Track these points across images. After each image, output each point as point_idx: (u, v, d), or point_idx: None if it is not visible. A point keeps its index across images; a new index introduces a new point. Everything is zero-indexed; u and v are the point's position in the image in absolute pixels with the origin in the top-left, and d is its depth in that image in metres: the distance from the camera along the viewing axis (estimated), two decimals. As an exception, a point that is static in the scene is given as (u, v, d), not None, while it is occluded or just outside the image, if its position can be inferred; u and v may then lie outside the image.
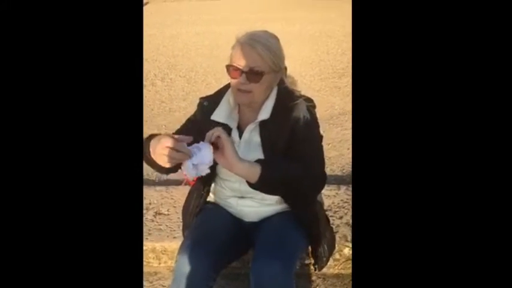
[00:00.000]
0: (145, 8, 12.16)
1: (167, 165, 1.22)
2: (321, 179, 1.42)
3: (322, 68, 4.86)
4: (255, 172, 1.26)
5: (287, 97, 1.46)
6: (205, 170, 1.24)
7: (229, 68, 1.38)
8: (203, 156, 1.22)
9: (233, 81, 1.39)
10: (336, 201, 2.33)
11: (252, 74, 1.34)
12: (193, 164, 1.22)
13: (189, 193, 1.70)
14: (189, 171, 1.23)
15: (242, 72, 1.34)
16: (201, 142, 1.24)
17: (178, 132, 1.58)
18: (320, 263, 1.66)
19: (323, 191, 2.36)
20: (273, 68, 1.37)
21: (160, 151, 1.19)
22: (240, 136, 1.48)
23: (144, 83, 5.27)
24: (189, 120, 1.57)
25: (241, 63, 1.34)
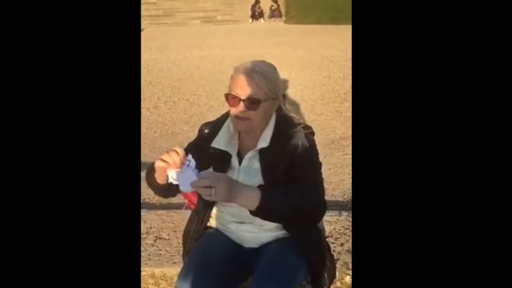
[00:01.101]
0: (149, 32, 12.37)
1: (159, 179, 1.32)
2: (321, 208, 1.42)
3: (324, 92, 4.90)
4: (255, 199, 1.26)
5: (286, 124, 1.48)
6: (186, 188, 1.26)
7: (228, 96, 1.42)
8: (185, 178, 1.25)
9: (232, 109, 1.42)
10: (337, 227, 2.31)
11: (250, 102, 1.38)
12: (172, 178, 1.27)
13: (190, 218, 1.69)
14: (173, 181, 1.28)
15: (240, 100, 1.38)
16: (189, 164, 1.26)
17: None
18: (321, 291, 1.64)
19: (324, 217, 2.36)
20: (270, 95, 1.41)
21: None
22: (240, 162, 1.49)
23: (147, 105, 5.31)
24: (190, 145, 1.59)
25: (239, 91, 1.38)
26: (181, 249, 1.76)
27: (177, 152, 1.27)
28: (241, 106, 1.38)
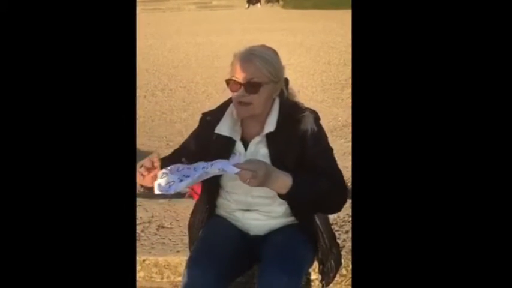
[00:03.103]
0: (145, 18, 12.25)
1: (140, 182, 1.34)
2: (346, 193, 1.46)
3: (324, 79, 4.87)
4: (287, 183, 1.29)
5: (292, 109, 1.49)
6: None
7: (228, 82, 1.42)
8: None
9: (233, 95, 1.43)
10: (342, 215, 2.29)
11: (250, 86, 1.38)
12: (159, 184, 1.29)
13: (195, 207, 1.69)
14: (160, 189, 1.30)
15: (241, 84, 1.39)
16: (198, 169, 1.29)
17: (180, 147, 1.62)
18: (327, 278, 1.64)
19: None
20: (271, 78, 1.41)
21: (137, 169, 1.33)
22: (246, 148, 1.49)
23: (145, 93, 5.27)
24: (191, 137, 1.60)
25: (239, 76, 1.39)
26: (186, 238, 1.77)
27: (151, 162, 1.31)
28: (242, 90, 1.39)
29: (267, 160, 1.44)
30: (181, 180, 1.27)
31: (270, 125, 1.45)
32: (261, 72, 1.38)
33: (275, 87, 1.45)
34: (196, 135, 1.58)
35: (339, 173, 1.45)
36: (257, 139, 1.48)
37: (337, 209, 1.51)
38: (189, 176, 1.27)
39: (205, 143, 1.45)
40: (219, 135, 1.48)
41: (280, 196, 1.32)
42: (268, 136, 1.45)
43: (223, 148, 1.48)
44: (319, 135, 1.46)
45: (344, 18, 7.32)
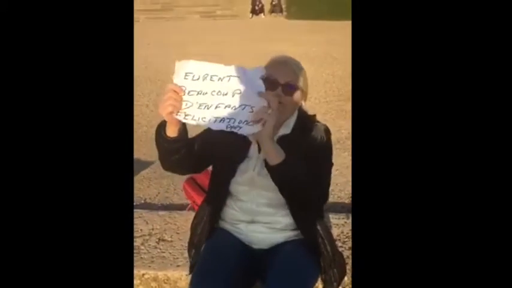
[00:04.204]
0: (147, 27, 12.31)
1: (170, 129, 1.32)
2: (323, 197, 1.51)
3: (328, 90, 4.85)
4: (280, 155, 1.33)
5: (307, 119, 1.55)
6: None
7: (266, 79, 1.43)
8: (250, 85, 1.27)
9: (268, 94, 1.44)
10: (345, 230, 2.25)
11: (288, 87, 1.44)
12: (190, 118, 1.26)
13: (196, 217, 1.68)
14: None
15: (279, 84, 1.43)
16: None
17: (197, 138, 1.59)
18: (330, 287, 1.61)
19: (331, 220, 2.30)
20: (302, 87, 1.49)
21: (164, 99, 1.26)
22: (259, 150, 1.49)
23: (147, 103, 5.26)
24: (207, 130, 1.56)
25: (278, 76, 1.44)
26: (186, 252, 1.74)
27: (174, 90, 1.27)
28: (279, 90, 1.43)
29: None
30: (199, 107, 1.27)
31: (287, 127, 1.50)
32: (297, 77, 1.47)
33: (302, 96, 1.52)
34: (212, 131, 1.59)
35: (327, 180, 1.52)
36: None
37: (310, 206, 1.55)
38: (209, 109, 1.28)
39: (219, 141, 1.47)
40: (236, 134, 1.45)
41: (269, 167, 1.34)
42: (281, 139, 1.47)
43: (238, 149, 1.51)
44: (326, 145, 1.52)
45: (347, 29, 7.33)
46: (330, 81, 5.14)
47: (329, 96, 4.68)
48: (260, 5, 17.91)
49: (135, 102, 5.03)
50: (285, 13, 17.60)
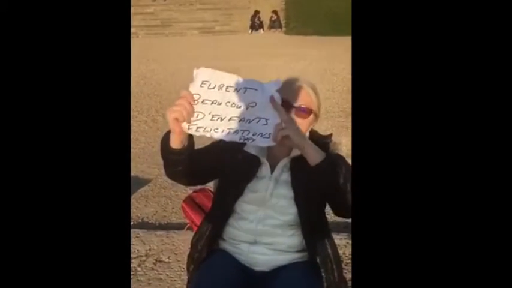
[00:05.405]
0: (146, 42, 12.36)
1: (174, 141, 1.28)
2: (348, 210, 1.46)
3: (328, 106, 4.84)
4: (321, 154, 1.33)
5: (318, 138, 1.53)
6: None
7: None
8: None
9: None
10: (348, 251, 2.20)
11: (301, 110, 1.44)
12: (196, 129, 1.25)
13: (197, 233, 1.64)
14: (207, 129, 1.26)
15: (292, 106, 1.42)
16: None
17: (201, 151, 1.56)
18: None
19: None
20: (315, 111, 1.48)
21: (175, 104, 1.25)
22: (272, 171, 1.49)
23: (145, 118, 5.24)
24: (214, 144, 1.55)
25: (291, 99, 1.43)
26: (184, 274, 1.70)
27: (187, 98, 1.25)
28: (292, 113, 1.42)
29: (288, 184, 1.46)
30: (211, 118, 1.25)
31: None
32: (312, 101, 1.46)
33: (314, 120, 1.51)
34: (217, 144, 1.54)
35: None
36: (283, 162, 1.48)
37: (349, 210, 1.43)
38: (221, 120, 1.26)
39: (228, 161, 1.45)
40: (246, 153, 1.47)
41: (310, 170, 1.33)
42: (293, 160, 1.46)
43: (248, 168, 1.48)
44: (343, 161, 1.48)
45: (347, 44, 7.36)
46: (330, 97, 5.13)
47: (329, 112, 4.66)
48: (259, 21, 18.06)
49: (133, 119, 5.01)
50: (284, 29, 17.74)
